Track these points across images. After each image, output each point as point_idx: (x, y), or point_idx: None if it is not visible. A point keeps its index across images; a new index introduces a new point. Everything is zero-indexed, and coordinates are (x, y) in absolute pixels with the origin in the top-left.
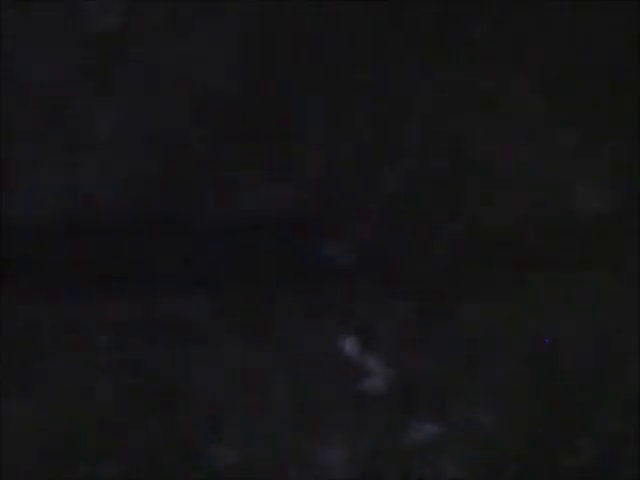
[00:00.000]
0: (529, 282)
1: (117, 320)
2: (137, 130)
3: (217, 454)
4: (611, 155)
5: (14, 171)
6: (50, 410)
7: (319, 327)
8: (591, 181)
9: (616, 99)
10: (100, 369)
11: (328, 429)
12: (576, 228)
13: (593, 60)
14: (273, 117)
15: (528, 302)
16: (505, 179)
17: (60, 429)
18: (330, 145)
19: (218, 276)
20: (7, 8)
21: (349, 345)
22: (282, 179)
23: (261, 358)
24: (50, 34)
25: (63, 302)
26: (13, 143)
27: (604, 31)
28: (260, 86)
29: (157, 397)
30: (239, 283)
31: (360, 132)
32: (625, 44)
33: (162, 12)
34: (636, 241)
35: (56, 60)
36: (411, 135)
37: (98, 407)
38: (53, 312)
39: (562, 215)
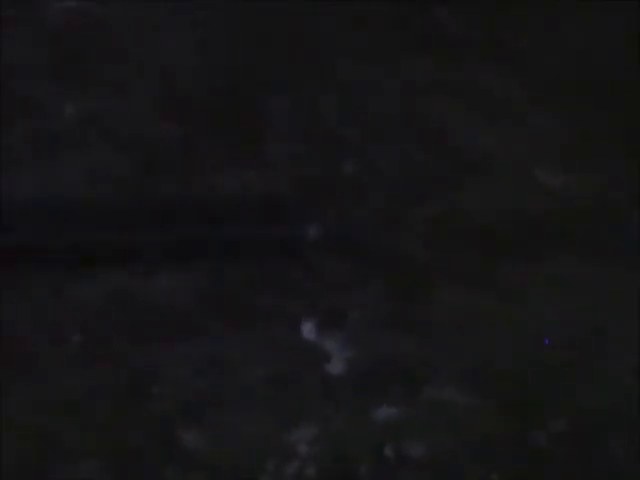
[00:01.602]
0: (498, 269)
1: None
2: (109, 124)
3: (189, 440)
4: (600, 152)
5: None
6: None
7: (287, 312)
8: (584, 179)
9: (603, 97)
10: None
11: (298, 412)
12: (570, 225)
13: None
14: (243, 111)
15: (499, 288)
16: (499, 176)
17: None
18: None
19: (188, 260)
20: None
21: (310, 330)
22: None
23: (233, 343)
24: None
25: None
26: None
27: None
28: (229, 82)
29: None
30: (209, 267)
31: (327, 121)
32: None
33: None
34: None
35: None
36: (383, 123)
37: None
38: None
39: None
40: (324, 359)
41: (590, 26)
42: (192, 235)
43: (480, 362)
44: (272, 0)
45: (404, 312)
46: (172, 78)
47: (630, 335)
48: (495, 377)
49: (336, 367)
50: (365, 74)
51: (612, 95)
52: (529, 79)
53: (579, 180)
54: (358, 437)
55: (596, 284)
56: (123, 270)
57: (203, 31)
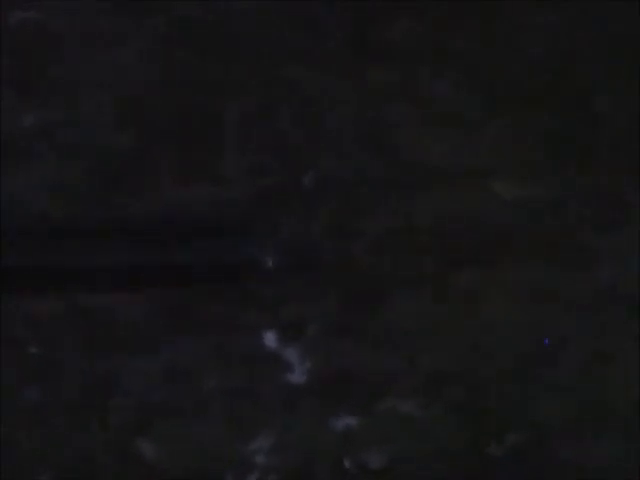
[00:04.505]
0: (455, 279)
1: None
2: (61, 134)
3: (148, 452)
4: (558, 163)
5: None
6: None
7: (244, 323)
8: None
9: (562, 107)
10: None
11: (257, 422)
12: (526, 235)
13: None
14: (194, 119)
15: (456, 298)
16: (455, 187)
17: None
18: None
19: (142, 274)
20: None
21: (271, 339)
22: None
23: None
24: None
25: None
26: None
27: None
28: (182, 90)
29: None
30: (165, 282)
31: (283, 132)
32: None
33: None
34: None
35: None
36: (337, 134)
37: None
38: None
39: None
40: (284, 369)
41: (548, 34)
42: (150, 253)
43: (438, 372)
44: (236, 17)
45: (362, 323)
46: (131, 91)
47: (586, 345)
48: (453, 387)
49: (296, 377)
50: (323, 86)
51: (572, 106)
52: (485, 90)
53: (535, 191)
54: (317, 447)
55: (552, 294)
56: (78, 286)
57: (163, 44)
